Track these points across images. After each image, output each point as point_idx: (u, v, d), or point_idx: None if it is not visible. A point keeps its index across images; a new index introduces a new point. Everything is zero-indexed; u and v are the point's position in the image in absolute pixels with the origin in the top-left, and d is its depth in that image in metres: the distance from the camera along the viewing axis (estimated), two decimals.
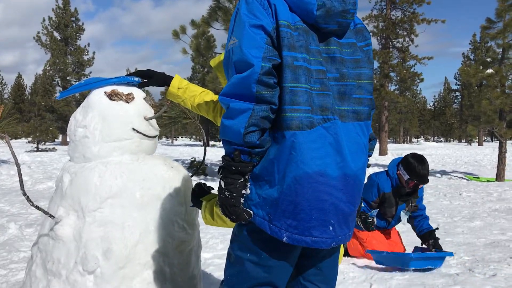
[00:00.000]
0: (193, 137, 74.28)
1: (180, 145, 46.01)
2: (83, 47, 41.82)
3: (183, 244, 2.53)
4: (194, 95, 2.63)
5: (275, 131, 1.57)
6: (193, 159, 15.45)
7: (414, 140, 76.41)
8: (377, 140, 32.95)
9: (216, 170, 12.61)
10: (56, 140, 36.30)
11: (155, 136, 2.68)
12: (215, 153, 24.87)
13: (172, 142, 62.09)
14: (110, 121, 2.49)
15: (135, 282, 2.36)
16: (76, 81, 41.77)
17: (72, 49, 41.56)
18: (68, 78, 41.31)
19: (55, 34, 40.67)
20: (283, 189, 1.55)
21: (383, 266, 3.93)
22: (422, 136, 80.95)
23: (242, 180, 1.58)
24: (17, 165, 2.22)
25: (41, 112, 39.47)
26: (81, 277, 2.30)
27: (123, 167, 2.45)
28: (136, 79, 2.63)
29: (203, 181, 2.51)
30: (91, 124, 2.51)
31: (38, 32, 39.92)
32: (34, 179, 10.64)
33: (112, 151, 2.50)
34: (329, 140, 1.58)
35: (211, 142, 50.82)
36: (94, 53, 43.03)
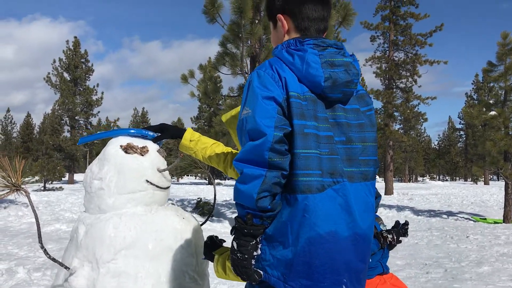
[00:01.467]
0: (199, 175, 74.25)
1: (185, 184, 45.99)
2: (92, 88, 42.58)
3: None
4: (205, 147, 2.74)
5: (287, 194, 1.67)
6: (199, 199, 15.46)
7: (419, 179, 75.97)
8: (383, 181, 32.77)
9: (222, 210, 12.56)
10: (63, 178, 36.44)
11: (167, 188, 2.78)
12: (221, 192, 24.84)
13: (177, 180, 62.11)
14: (125, 174, 2.59)
15: None
16: (84, 121, 42.34)
17: (81, 89, 42.31)
18: (76, 117, 41.87)
19: (65, 75, 41.53)
20: (297, 250, 1.64)
21: None
22: (427, 175, 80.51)
23: (253, 242, 1.67)
24: (37, 219, 2.31)
25: (49, 151, 39.79)
26: None
27: (137, 218, 2.54)
28: (151, 133, 2.74)
29: (214, 234, 2.58)
30: (106, 176, 2.61)
31: (49, 73, 40.84)
32: (42, 221, 10.69)
33: (127, 203, 2.59)
34: (339, 201, 1.67)
35: (217, 180, 50.75)
36: (102, 93, 43.79)
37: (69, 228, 9.64)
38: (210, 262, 2.51)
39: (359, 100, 1.86)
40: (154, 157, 2.69)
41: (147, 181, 2.61)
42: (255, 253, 1.68)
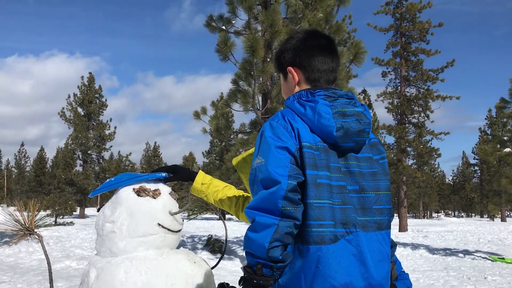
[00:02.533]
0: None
1: (196, 219, 45.73)
2: (105, 122, 43.13)
3: None
4: (217, 190, 2.74)
5: (300, 244, 1.65)
6: (210, 236, 15.34)
7: (434, 215, 74.76)
8: (397, 217, 32.33)
9: (233, 248, 12.42)
10: (74, 213, 36.51)
11: (179, 231, 2.76)
12: (232, 228, 24.64)
13: (188, 216, 61.70)
14: (137, 217, 2.59)
15: None
16: (96, 155, 42.71)
17: (95, 124, 42.89)
18: (89, 152, 42.28)
19: (79, 109, 42.21)
20: None
21: None
22: (442, 211, 79.23)
23: None
24: (50, 270, 2.31)
25: (61, 185, 40.05)
26: None
27: (148, 262, 2.51)
28: (163, 174, 2.75)
29: (225, 275, 2.54)
30: (118, 219, 2.60)
31: (63, 108, 41.54)
32: (52, 258, 10.64)
33: (138, 246, 2.57)
34: (352, 251, 1.66)
35: (228, 215, 50.39)
36: (115, 127, 44.24)
37: (79, 266, 9.58)
38: None
39: (371, 148, 1.87)
40: (166, 200, 2.69)
41: (159, 224, 2.60)
42: None
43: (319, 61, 1.88)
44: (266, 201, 1.62)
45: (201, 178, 2.75)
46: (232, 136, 13.84)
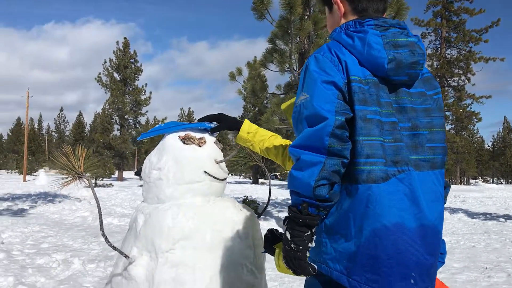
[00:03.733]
0: (243, 174, 74.68)
1: (230, 183, 46.39)
2: (141, 87, 43.69)
3: None
4: (263, 139, 2.68)
5: (348, 184, 1.57)
6: (245, 197, 15.49)
7: (471, 181, 73.26)
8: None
9: (268, 209, 12.49)
10: (112, 176, 37.58)
11: (224, 179, 2.73)
12: (266, 192, 24.85)
13: (232, 166, 62.46)
14: (183, 164, 2.57)
15: None
16: (133, 120, 43.49)
17: (130, 89, 43.51)
18: (125, 116, 43.09)
19: (115, 75, 42.86)
20: (361, 242, 1.54)
21: None
22: (480, 177, 77.52)
23: (308, 233, 1.56)
24: (99, 207, 2.32)
25: (99, 148, 41.16)
26: None
27: (195, 209, 2.51)
28: (210, 124, 2.71)
29: (275, 228, 2.51)
30: (165, 166, 2.59)
31: (99, 73, 42.30)
32: (94, 215, 11.01)
33: (185, 193, 2.56)
34: (404, 191, 1.56)
35: (261, 180, 50.89)
36: (150, 92, 44.81)
37: (121, 223, 9.87)
38: (267, 255, 2.44)
39: (425, 83, 1.74)
40: (211, 148, 2.66)
41: (205, 172, 2.57)
42: (310, 245, 1.58)
43: None
44: (311, 139, 1.53)
45: (247, 127, 2.69)
46: (265, 101, 13.71)
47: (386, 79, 1.62)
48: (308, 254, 1.58)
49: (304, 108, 1.58)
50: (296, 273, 1.60)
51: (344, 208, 1.57)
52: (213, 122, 2.69)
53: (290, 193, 1.59)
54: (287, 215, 1.60)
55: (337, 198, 1.57)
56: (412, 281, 1.56)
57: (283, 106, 2.48)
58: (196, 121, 2.80)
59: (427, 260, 1.60)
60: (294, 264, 1.58)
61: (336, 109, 1.52)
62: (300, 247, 1.55)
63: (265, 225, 10.96)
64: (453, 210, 16.10)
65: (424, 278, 1.60)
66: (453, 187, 44.65)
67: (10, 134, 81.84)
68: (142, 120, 45.14)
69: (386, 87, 1.63)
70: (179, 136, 2.65)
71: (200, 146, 2.64)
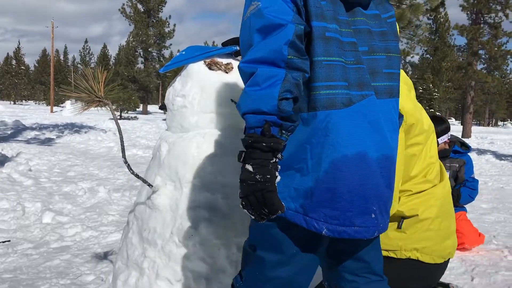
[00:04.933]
0: None
1: None
2: (165, 19, 42.88)
3: None
4: None
5: (304, 112, 1.39)
6: None
7: (500, 123, 71.65)
8: (460, 123, 31.12)
9: None
10: (137, 109, 37.91)
11: None
12: None
13: None
14: (209, 92, 2.42)
15: (233, 250, 2.27)
16: (157, 53, 43.14)
17: (154, 21, 42.77)
18: (149, 49, 42.71)
19: (139, 6, 42.00)
20: (319, 176, 1.37)
21: (485, 258, 3.61)
22: (509, 120, 75.69)
23: (273, 160, 1.29)
24: (120, 133, 2.22)
25: (124, 81, 41.27)
26: (177, 248, 2.28)
27: (221, 139, 2.38)
28: (235, 47, 2.53)
29: None
30: (190, 93, 2.45)
31: (123, 4, 41.45)
32: (119, 146, 11.11)
33: (210, 122, 2.44)
34: (368, 118, 1.41)
35: None
36: (174, 25, 43.97)
37: (145, 154, 9.95)
38: None
39: (377, 5, 1.58)
40: (239, 75, 2.49)
41: (232, 100, 2.42)
42: (277, 173, 1.30)
43: None
44: (267, 50, 1.29)
45: None
46: None
47: None
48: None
49: (257, 17, 1.34)
50: (262, 215, 1.30)
51: (299, 140, 1.39)
52: (237, 45, 2.49)
53: (244, 117, 1.32)
54: (242, 150, 1.34)
55: (298, 121, 1.39)
56: (373, 215, 1.44)
57: None
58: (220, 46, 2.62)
59: (386, 193, 1.48)
60: (260, 201, 1.28)
61: (293, 20, 1.32)
62: (268, 176, 1.27)
63: None
64: (481, 152, 15.78)
65: (383, 212, 1.49)
66: (480, 128, 43.78)
67: (37, 65, 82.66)
68: (166, 53, 44.65)
69: (343, 5, 1.46)
70: (205, 61, 2.48)
71: (227, 73, 2.48)
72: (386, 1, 1.62)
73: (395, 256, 1.92)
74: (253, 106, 1.28)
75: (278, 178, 1.32)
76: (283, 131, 1.30)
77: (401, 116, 1.70)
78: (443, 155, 4.22)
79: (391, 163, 1.48)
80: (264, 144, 1.26)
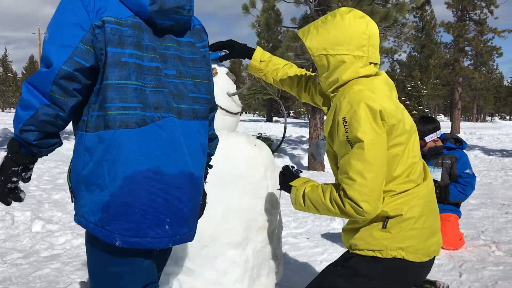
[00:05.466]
0: (257, 112, 74.59)
1: (244, 121, 46.41)
2: None
3: (266, 225, 2.46)
4: (277, 68, 2.52)
5: (100, 131, 1.50)
6: (259, 135, 15.47)
7: (488, 118, 72.31)
8: (449, 120, 31.33)
9: (282, 146, 12.45)
10: None
11: (237, 113, 2.60)
12: (280, 129, 24.81)
13: (245, 100, 62.37)
14: None
15: (218, 261, 2.32)
16: None
17: None
18: None
19: None
20: (114, 190, 1.49)
21: (473, 253, 3.65)
22: (497, 114, 76.41)
23: (17, 168, 1.54)
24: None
25: None
26: None
27: None
28: (219, 52, 2.54)
29: (291, 164, 2.40)
30: None
31: None
32: None
33: None
34: (163, 137, 1.54)
35: (274, 118, 50.82)
36: None
37: None
38: (283, 192, 2.36)
39: (194, 35, 1.73)
40: (223, 80, 2.51)
41: (217, 105, 2.43)
42: (14, 179, 1.54)
43: None
44: (39, 80, 1.46)
45: (260, 55, 2.52)
46: (282, 34, 13.25)
47: (152, 22, 1.56)
48: (11, 186, 1.55)
49: (43, 47, 1.49)
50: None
51: (97, 157, 1.51)
52: (223, 50, 2.51)
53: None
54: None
55: (52, 148, 1.56)
56: (167, 227, 1.57)
57: (300, 32, 2.29)
58: None
59: (184, 207, 1.61)
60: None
61: (71, 56, 1.43)
62: (2, 177, 1.53)
63: (279, 162, 10.96)
64: (470, 147, 15.94)
65: (182, 224, 1.62)
66: (469, 124, 44.17)
67: (25, 72, 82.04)
68: None
69: (152, 31, 1.57)
70: None
71: None
72: (203, 31, 1.78)
73: (381, 256, 1.95)
74: (13, 122, 1.51)
75: (15, 179, 1.55)
76: (34, 150, 1.53)
77: (215, 138, 1.91)
78: (435, 152, 4.27)
79: (191, 179, 1.62)
80: (9, 154, 1.54)
